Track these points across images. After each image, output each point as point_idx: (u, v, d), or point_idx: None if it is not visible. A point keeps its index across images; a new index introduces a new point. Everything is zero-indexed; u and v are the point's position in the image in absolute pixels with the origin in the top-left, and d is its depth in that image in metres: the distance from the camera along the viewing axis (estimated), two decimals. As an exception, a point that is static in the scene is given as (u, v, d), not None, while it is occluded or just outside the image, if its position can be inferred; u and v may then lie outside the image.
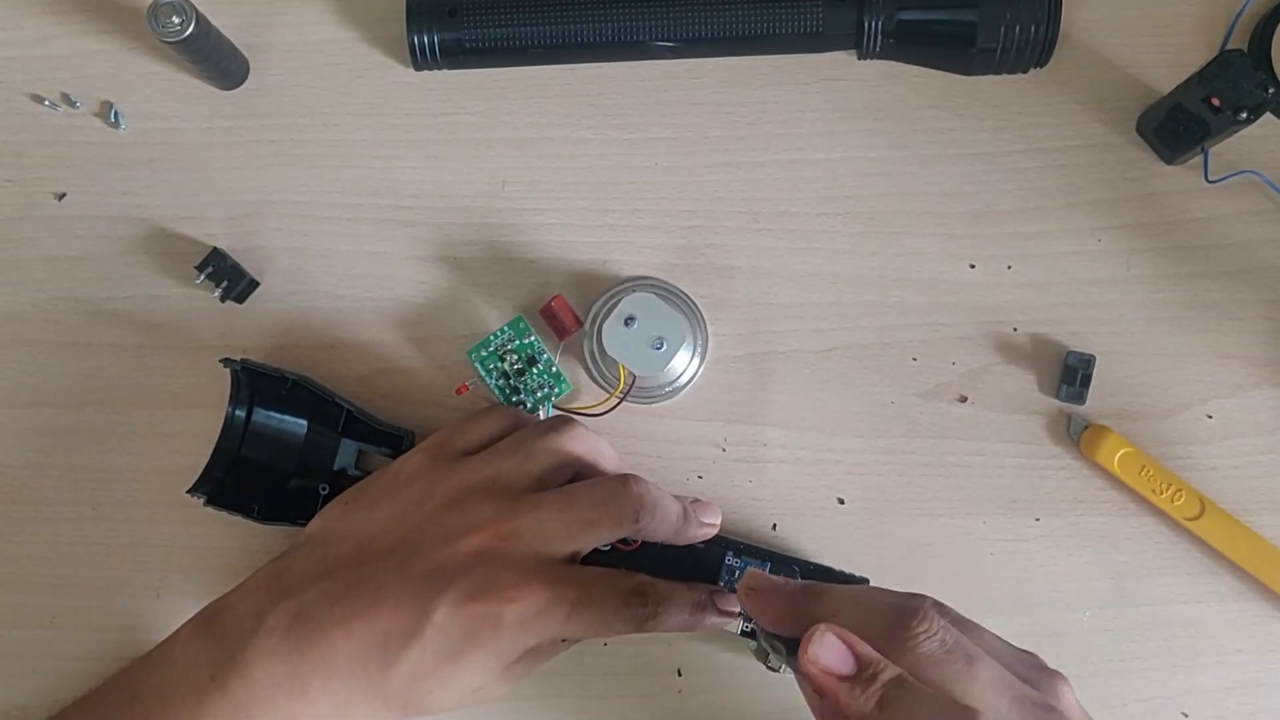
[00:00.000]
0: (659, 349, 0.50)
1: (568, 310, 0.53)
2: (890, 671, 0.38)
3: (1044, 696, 0.40)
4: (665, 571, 0.50)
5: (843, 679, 0.38)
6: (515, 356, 0.53)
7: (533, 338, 0.53)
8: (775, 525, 0.54)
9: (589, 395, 0.55)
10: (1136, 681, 0.53)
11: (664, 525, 0.48)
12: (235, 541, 0.54)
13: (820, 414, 0.54)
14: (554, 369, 0.53)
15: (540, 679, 0.52)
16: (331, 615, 0.44)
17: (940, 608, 0.41)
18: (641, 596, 0.47)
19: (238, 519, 0.52)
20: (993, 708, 0.38)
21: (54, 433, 0.55)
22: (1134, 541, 0.53)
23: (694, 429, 0.55)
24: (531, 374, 0.53)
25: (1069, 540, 0.54)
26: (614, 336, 0.50)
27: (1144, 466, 0.52)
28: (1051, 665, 0.53)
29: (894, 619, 0.40)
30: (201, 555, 0.54)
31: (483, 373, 0.53)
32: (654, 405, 0.54)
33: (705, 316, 0.54)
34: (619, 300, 0.51)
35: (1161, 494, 0.52)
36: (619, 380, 0.52)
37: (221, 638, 0.45)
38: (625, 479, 0.48)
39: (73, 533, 0.54)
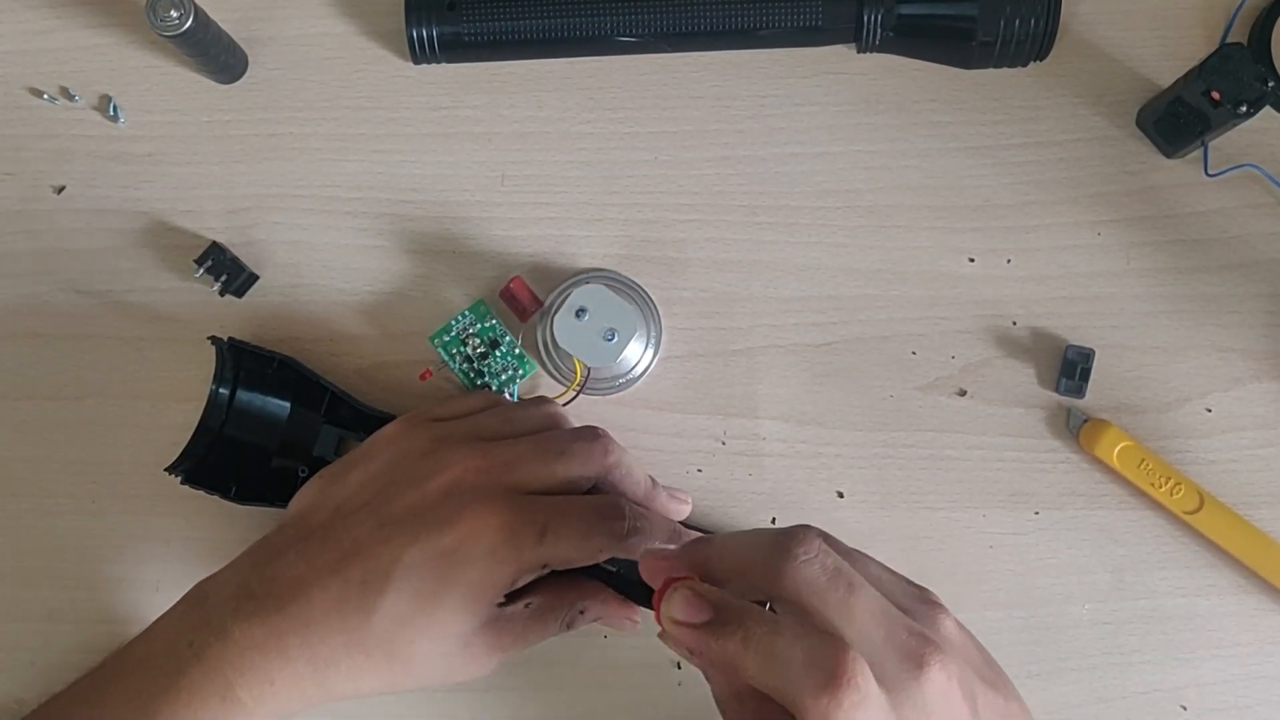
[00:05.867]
0: (610, 340, 0.50)
1: (526, 291, 0.53)
2: (749, 609, 0.37)
3: (922, 627, 0.38)
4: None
5: (702, 626, 0.37)
6: (477, 340, 0.53)
7: (494, 321, 0.53)
8: (775, 519, 0.54)
9: (544, 389, 0.55)
10: (1135, 675, 0.53)
11: (633, 482, 0.48)
12: (235, 535, 0.54)
13: (819, 408, 0.54)
14: (517, 350, 0.54)
15: (539, 670, 0.52)
16: (309, 572, 0.44)
17: (824, 535, 0.40)
18: (617, 509, 0.46)
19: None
20: (867, 638, 0.36)
21: (53, 426, 0.55)
22: (1133, 535, 0.54)
23: (693, 423, 0.55)
24: (495, 357, 0.53)
25: (1068, 533, 0.54)
26: (566, 328, 0.50)
27: (1143, 460, 0.52)
28: (1050, 658, 0.53)
29: (774, 545, 0.38)
30: (201, 549, 0.54)
31: (445, 357, 0.53)
32: (629, 392, 0.54)
33: (659, 308, 0.54)
34: (570, 293, 0.51)
35: (1160, 487, 0.52)
36: (575, 373, 0.52)
37: (202, 608, 0.45)
38: (595, 427, 0.48)
39: (72, 526, 0.55)
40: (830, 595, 0.37)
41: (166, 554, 0.54)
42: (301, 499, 0.49)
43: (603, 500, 0.47)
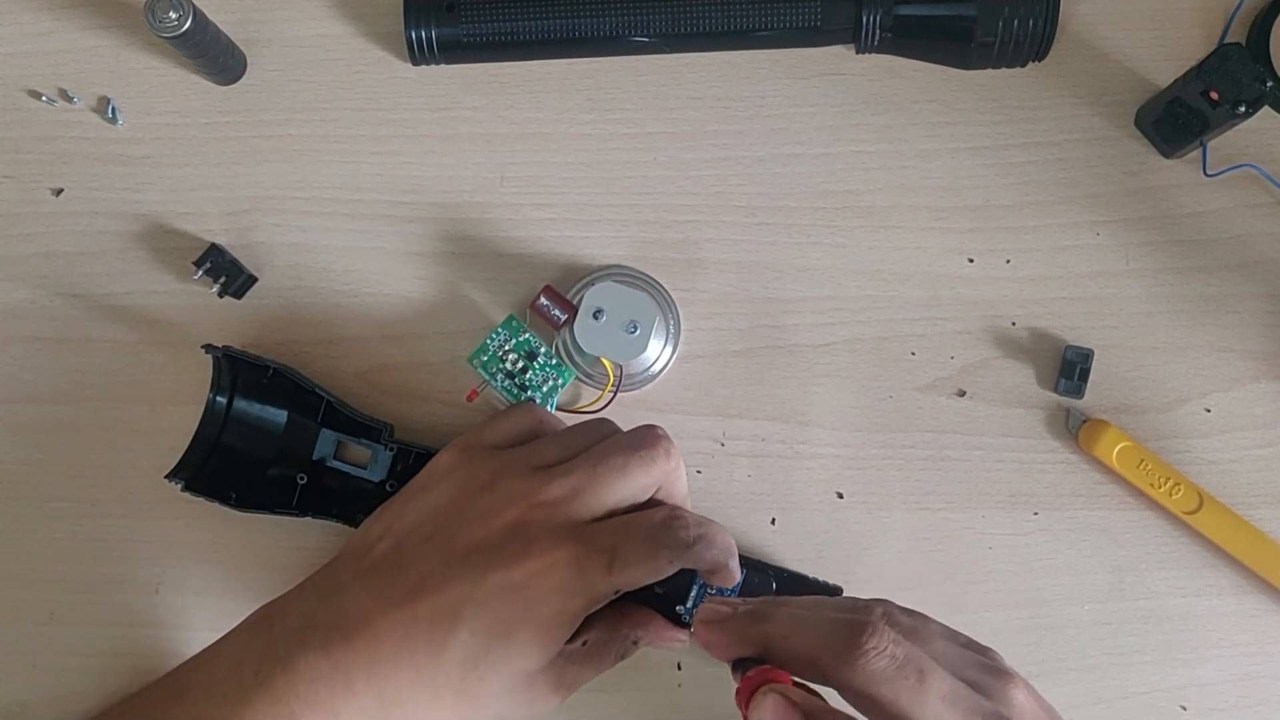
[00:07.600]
0: (634, 333, 0.50)
1: (557, 297, 0.53)
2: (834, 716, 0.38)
3: (995, 705, 0.39)
4: None
5: None
6: (515, 355, 0.53)
7: (527, 334, 0.53)
8: (774, 520, 0.54)
9: (583, 396, 0.55)
10: (1135, 675, 0.53)
11: (682, 480, 0.48)
12: (235, 537, 0.54)
13: (819, 408, 0.54)
14: (554, 360, 0.53)
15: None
16: (375, 605, 0.44)
17: (889, 616, 0.41)
18: (680, 520, 0.46)
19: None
20: None
21: (52, 428, 0.55)
22: (1133, 535, 0.54)
23: (693, 423, 0.55)
24: (534, 369, 0.53)
25: (1068, 534, 0.54)
26: (587, 332, 0.50)
27: (1142, 460, 0.53)
28: (1050, 659, 0.53)
29: (844, 635, 0.39)
30: (200, 551, 0.54)
31: (486, 376, 0.53)
32: (634, 393, 0.54)
33: (675, 300, 0.54)
34: (583, 295, 0.51)
35: (1160, 488, 0.52)
36: (607, 375, 0.52)
37: (267, 636, 0.45)
38: (652, 425, 0.47)
39: (71, 528, 0.54)
40: (901, 685, 0.38)
41: (166, 556, 0.54)
42: (364, 529, 0.49)
43: (664, 513, 0.46)
